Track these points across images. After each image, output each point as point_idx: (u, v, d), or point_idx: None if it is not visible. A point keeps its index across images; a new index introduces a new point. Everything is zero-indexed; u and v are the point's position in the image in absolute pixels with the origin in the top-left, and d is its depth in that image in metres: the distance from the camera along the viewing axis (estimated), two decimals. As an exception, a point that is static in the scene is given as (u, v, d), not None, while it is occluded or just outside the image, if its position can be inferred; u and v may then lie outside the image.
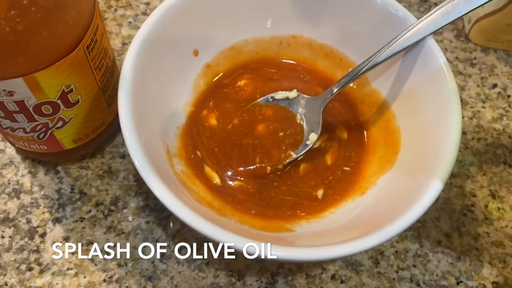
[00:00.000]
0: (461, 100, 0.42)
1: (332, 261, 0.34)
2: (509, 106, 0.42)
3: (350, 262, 0.34)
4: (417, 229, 0.35)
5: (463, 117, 0.41)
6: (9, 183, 0.35)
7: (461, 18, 0.31)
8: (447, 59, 0.43)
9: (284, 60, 0.38)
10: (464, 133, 0.40)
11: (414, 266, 0.34)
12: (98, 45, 0.29)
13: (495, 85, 0.43)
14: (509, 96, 0.42)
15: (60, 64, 0.27)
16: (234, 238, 0.24)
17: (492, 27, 0.43)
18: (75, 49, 0.27)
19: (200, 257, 0.33)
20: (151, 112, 0.30)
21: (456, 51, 0.44)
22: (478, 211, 0.37)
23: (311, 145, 0.34)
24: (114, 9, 0.44)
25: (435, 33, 0.44)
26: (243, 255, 0.24)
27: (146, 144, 0.27)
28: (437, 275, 0.34)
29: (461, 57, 0.44)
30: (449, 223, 0.36)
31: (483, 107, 0.41)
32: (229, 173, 0.33)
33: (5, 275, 0.32)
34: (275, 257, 0.24)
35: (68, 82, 0.28)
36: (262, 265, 0.33)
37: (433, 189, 0.26)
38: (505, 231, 0.36)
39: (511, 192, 0.38)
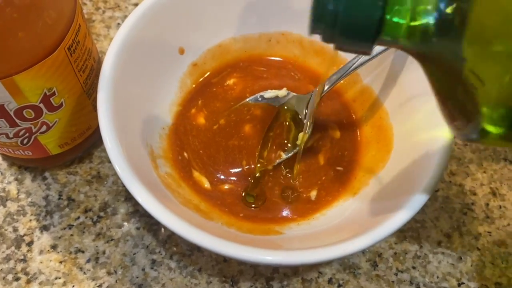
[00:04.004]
0: (459, 96, 0.41)
1: (329, 264, 0.33)
2: (508, 101, 0.41)
3: (347, 265, 0.33)
4: (416, 230, 0.34)
5: (461, 114, 0.40)
6: (-5, 191, 0.34)
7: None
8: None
9: (274, 58, 0.37)
10: (462, 129, 0.39)
11: (414, 268, 0.33)
12: (80, 46, 0.29)
13: (493, 80, 0.42)
14: (508, 91, 0.41)
15: (40, 66, 0.26)
16: (219, 243, 0.23)
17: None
18: (55, 50, 0.26)
19: (192, 263, 0.32)
20: (133, 114, 0.29)
21: (453, 47, 0.43)
22: (478, 210, 0.36)
23: (301, 144, 0.33)
24: (102, 11, 0.43)
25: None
26: (236, 260, 0.24)
27: (128, 147, 0.26)
28: (437, 277, 0.33)
29: (458, 52, 0.43)
30: (449, 223, 0.35)
31: (482, 103, 0.40)
32: (219, 176, 0.32)
33: (-9, 285, 0.31)
34: (262, 261, 0.23)
35: (50, 85, 0.28)
36: (256, 270, 0.32)
37: (426, 187, 0.25)
38: (507, 230, 0.35)
39: (513, 190, 0.37)
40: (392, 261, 0.33)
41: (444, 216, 0.35)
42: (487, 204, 0.36)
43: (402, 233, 0.34)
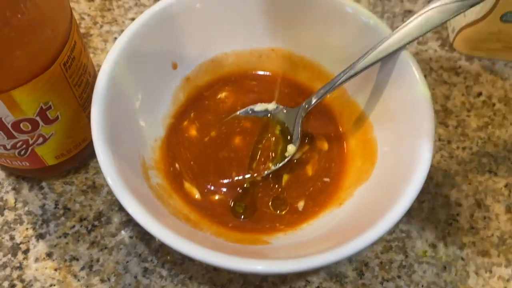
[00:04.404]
0: (446, 109, 0.42)
1: (316, 272, 0.34)
2: (494, 114, 0.42)
3: (334, 273, 0.34)
4: (402, 240, 0.35)
5: (447, 126, 0.41)
6: (-7, 200, 0.36)
7: (436, 28, 0.31)
8: (432, 68, 0.44)
9: (264, 73, 0.38)
10: (449, 142, 0.40)
11: (399, 277, 0.34)
12: (76, 61, 0.30)
13: (480, 94, 0.43)
14: (494, 104, 0.42)
15: (37, 81, 0.27)
16: (207, 253, 0.24)
17: (475, 37, 0.43)
18: (51, 66, 0.27)
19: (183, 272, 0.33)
20: (127, 126, 0.31)
21: (441, 60, 0.45)
22: (463, 221, 0.36)
23: (289, 156, 0.34)
24: (100, 25, 0.45)
25: (420, 42, 0.45)
26: (225, 269, 0.25)
27: (120, 159, 0.27)
28: (422, 286, 0.34)
29: (445, 66, 0.44)
30: (435, 233, 0.36)
31: (468, 116, 0.41)
32: (209, 187, 0.33)
33: (-13, 292, 0.32)
34: (251, 270, 0.24)
35: (46, 99, 0.29)
36: (245, 279, 0.33)
37: (407, 198, 0.26)
38: (491, 240, 0.36)
39: (497, 201, 0.37)
40: (378, 270, 0.34)
41: (429, 227, 0.36)
42: (472, 215, 0.37)
43: (388, 243, 0.35)
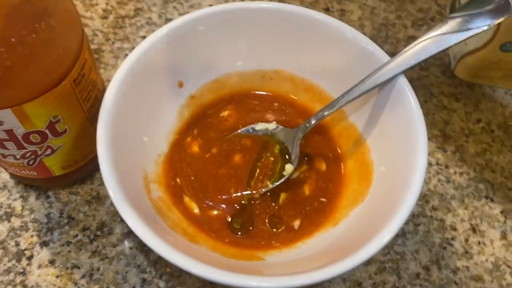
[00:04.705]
0: (445, 135, 0.42)
1: (310, 291, 0.34)
2: (493, 141, 0.42)
3: (327, 292, 0.34)
4: (396, 261, 0.36)
5: (445, 151, 0.41)
6: (1, 207, 0.37)
7: (434, 57, 0.32)
8: (432, 94, 0.45)
9: (267, 93, 0.39)
10: (446, 166, 0.41)
11: (392, 298, 0.35)
12: (86, 78, 0.31)
13: (479, 120, 0.43)
14: (493, 131, 0.43)
15: (47, 96, 0.29)
16: (203, 268, 0.25)
17: (477, 64, 0.44)
18: (61, 82, 0.29)
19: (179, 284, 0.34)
20: (131, 141, 0.32)
21: (442, 86, 0.45)
22: (458, 245, 0.37)
23: (287, 175, 0.35)
24: (112, 42, 0.46)
25: (422, 68, 0.46)
26: (220, 284, 0.25)
27: (123, 172, 0.28)
28: (414, 308, 0.34)
29: (446, 91, 0.45)
30: (429, 256, 0.36)
31: (467, 142, 0.42)
32: (208, 202, 0.34)
33: (-9, 296, 0.33)
34: (244, 286, 0.25)
35: (56, 113, 0.30)
36: (240, 293, 0.34)
37: (397, 220, 0.26)
38: (485, 266, 0.36)
39: (492, 227, 0.38)
40: (371, 291, 0.35)
41: (424, 249, 0.37)
42: (467, 240, 0.37)
43: (382, 264, 0.36)
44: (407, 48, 0.32)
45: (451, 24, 0.31)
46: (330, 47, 0.35)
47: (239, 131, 0.37)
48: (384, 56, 0.33)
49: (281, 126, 0.37)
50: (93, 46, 0.46)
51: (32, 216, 0.37)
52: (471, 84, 0.46)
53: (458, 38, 0.31)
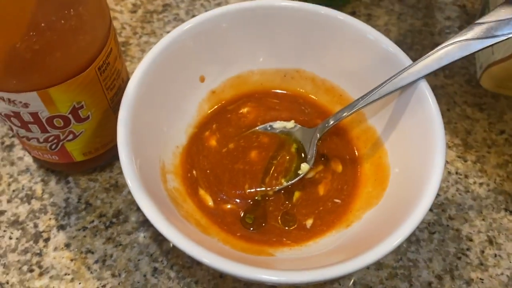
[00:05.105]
0: (466, 144, 0.42)
1: (319, 292, 0.34)
2: (516, 153, 0.41)
3: (337, 294, 0.34)
4: (408, 268, 0.35)
5: (466, 161, 0.41)
6: (23, 189, 0.38)
7: (455, 63, 0.31)
8: (455, 102, 0.44)
9: (287, 92, 0.39)
10: (466, 176, 0.40)
11: (402, 305, 0.34)
12: (110, 67, 0.32)
13: (503, 131, 0.43)
14: (516, 143, 0.42)
15: (72, 81, 0.29)
16: (215, 259, 0.25)
17: (503, 74, 0.43)
18: (87, 69, 0.30)
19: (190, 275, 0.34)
20: (151, 132, 0.32)
21: (466, 96, 0.45)
22: (473, 256, 0.36)
23: (302, 174, 0.35)
24: (139, 36, 0.47)
25: (447, 76, 0.46)
26: (232, 276, 0.25)
27: (141, 161, 0.29)
28: (424, 317, 0.34)
29: (470, 101, 0.44)
30: (442, 265, 0.36)
31: (488, 152, 0.41)
32: (222, 196, 0.34)
33: (7, 274, 0.34)
34: (255, 279, 0.25)
35: (79, 99, 0.31)
36: (249, 287, 0.34)
37: (409, 224, 0.26)
38: (500, 279, 0.35)
39: (510, 240, 0.37)
40: (381, 296, 0.34)
41: (437, 258, 0.36)
42: (483, 251, 0.37)
43: (394, 270, 0.35)
44: (430, 52, 0.31)
45: (477, 30, 0.30)
46: (352, 49, 0.35)
47: (257, 128, 0.37)
48: (406, 60, 0.33)
49: (299, 125, 0.37)
50: (120, 39, 0.47)
51: (52, 199, 0.38)
52: (496, 95, 0.45)
53: (483, 44, 0.30)
